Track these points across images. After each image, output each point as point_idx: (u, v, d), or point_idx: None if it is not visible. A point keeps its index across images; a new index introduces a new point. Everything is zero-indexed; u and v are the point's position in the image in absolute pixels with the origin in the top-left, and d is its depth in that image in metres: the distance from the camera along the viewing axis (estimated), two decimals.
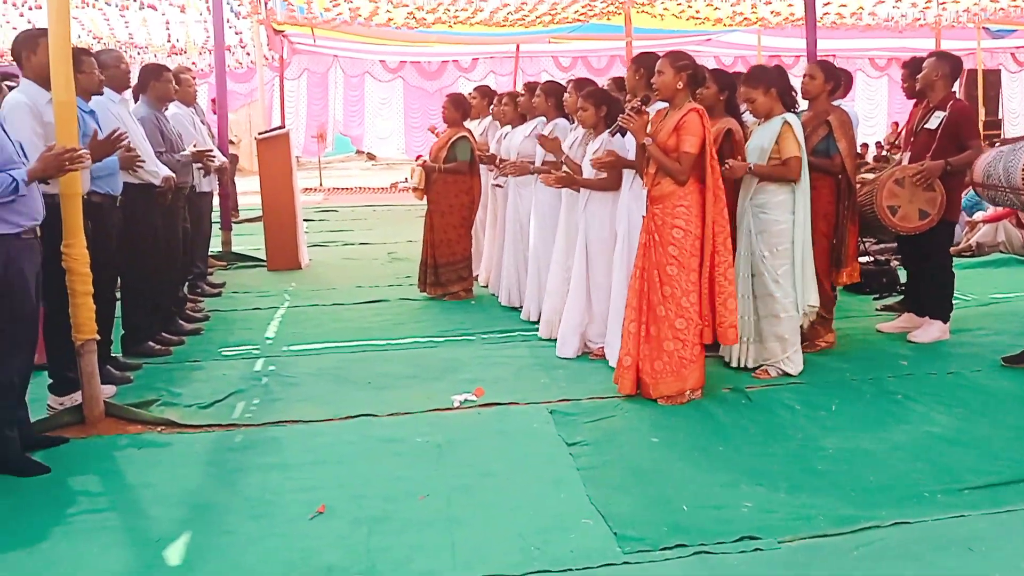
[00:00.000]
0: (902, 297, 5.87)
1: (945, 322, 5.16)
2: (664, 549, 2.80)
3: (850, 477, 3.30)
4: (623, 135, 4.47)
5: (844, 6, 10.79)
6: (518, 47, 15.93)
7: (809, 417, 3.97)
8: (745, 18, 11.68)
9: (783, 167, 4.40)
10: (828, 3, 10.59)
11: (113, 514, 3.14)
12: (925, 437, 3.68)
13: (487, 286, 6.83)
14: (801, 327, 4.59)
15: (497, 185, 6.49)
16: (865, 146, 13.58)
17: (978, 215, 7.98)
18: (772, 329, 4.48)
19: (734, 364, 4.62)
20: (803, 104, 4.92)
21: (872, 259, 6.79)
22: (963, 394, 4.21)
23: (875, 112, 21.16)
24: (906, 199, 4.84)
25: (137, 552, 2.84)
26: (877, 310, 6.00)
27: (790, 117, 4.45)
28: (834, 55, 18.50)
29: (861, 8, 10.95)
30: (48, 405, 4.11)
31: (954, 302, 5.30)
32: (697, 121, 4.02)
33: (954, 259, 7.26)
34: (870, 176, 6.04)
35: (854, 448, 3.57)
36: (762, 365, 4.55)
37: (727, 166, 4.33)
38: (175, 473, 3.47)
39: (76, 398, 4.06)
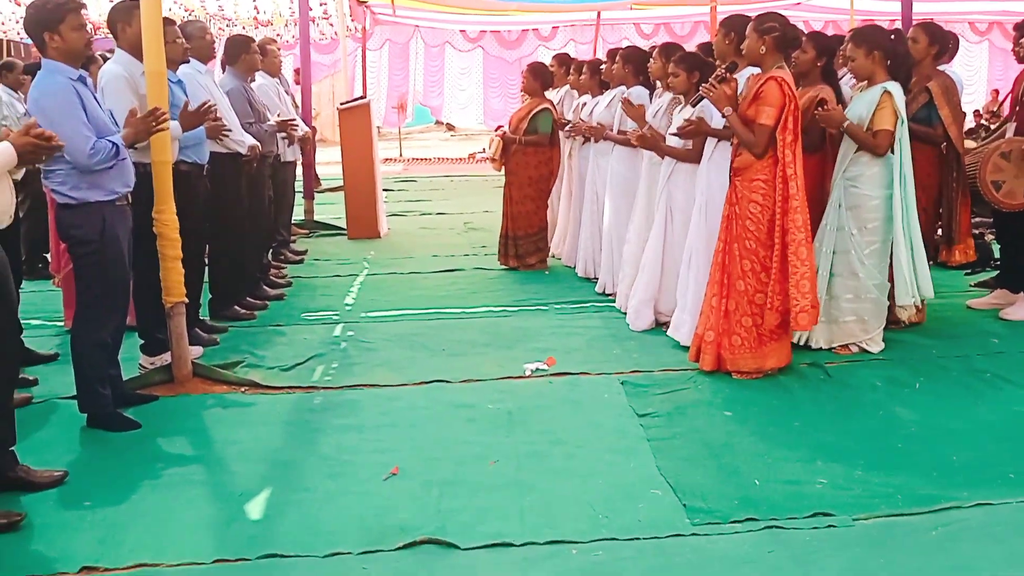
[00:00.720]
0: (996, 273, 5.61)
1: None
2: (734, 522, 2.78)
3: (932, 456, 3.20)
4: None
5: None
6: (599, 14, 15.66)
7: (891, 394, 3.86)
8: None
9: (871, 137, 4.19)
10: None
11: (199, 469, 3.29)
12: (1013, 417, 3.54)
13: (561, 257, 6.82)
14: (908, 320, 4.39)
15: (567, 136, 6.40)
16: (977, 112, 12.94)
17: None
18: (852, 309, 4.31)
19: (814, 345, 4.42)
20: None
21: (977, 232, 6.50)
22: None
23: (974, 79, 20.08)
24: (1012, 174, 4.58)
25: (220, 506, 2.97)
26: (971, 286, 5.76)
27: (891, 86, 4.17)
28: (931, 19, 17.66)
29: None
30: (140, 364, 4.31)
31: None
32: (776, 90, 3.85)
33: None
34: (972, 144, 5.76)
35: (937, 426, 3.47)
36: (843, 345, 4.39)
37: (826, 109, 4.12)
38: (257, 432, 3.60)
39: (166, 358, 4.24)
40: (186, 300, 4.16)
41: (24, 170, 3.01)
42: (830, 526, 2.74)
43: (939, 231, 4.92)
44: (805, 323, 3.94)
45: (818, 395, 3.88)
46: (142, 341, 4.38)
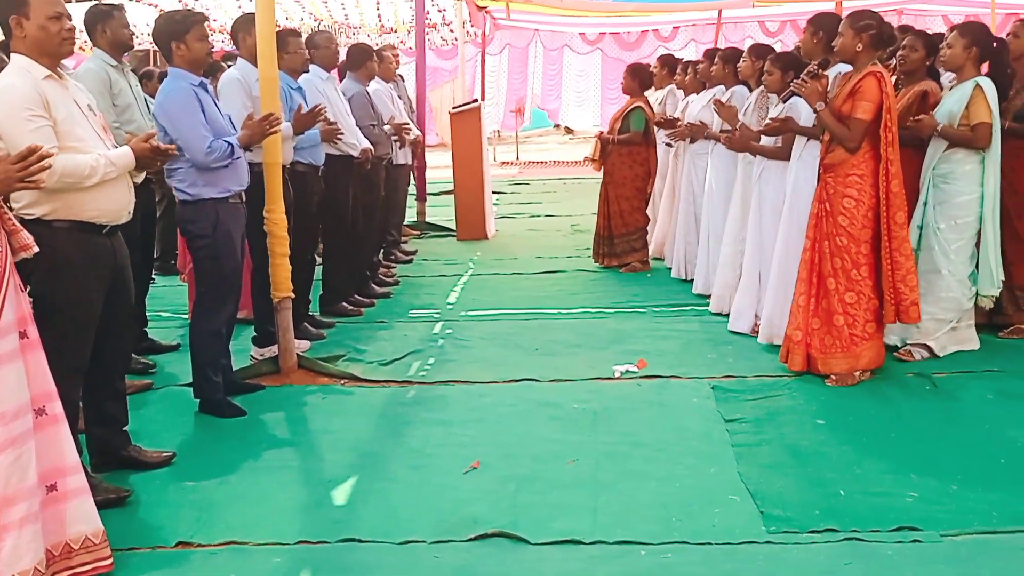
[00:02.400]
0: None
1: None
2: (812, 532, 2.71)
3: None
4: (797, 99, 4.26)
5: None
6: (720, 13, 15.34)
7: (1002, 407, 3.65)
8: None
9: (971, 133, 4.05)
10: None
11: (294, 455, 3.48)
12: None
13: (662, 258, 6.76)
14: (989, 308, 4.23)
15: (667, 144, 6.38)
16: None
17: None
18: (927, 308, 4.12)
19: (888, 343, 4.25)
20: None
21: None
22: None
23: None
24: None
25: (310, 490, 3.14)
26: None
27: (983, 81, 4.07)
28: None
29: None
30: (250, 355, 4.58)
31: None
32: (874, 86, 3.76)
33: None
34: None
35: None
36: (905, 345, 4.24)
37: (917, 118, 4.06)
38: (351, 422, 3.77)
39: (274, 350, 4.48)
40: (292, 295, 4.39)
41: (144, 174, 3.26)
42: (915, 541, 2.63)
43: None
44: (916, 316, 3.90)
45: (921, 405, 3.71)
46: (255, 333, 4.65)
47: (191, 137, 3.61)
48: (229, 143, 3.71)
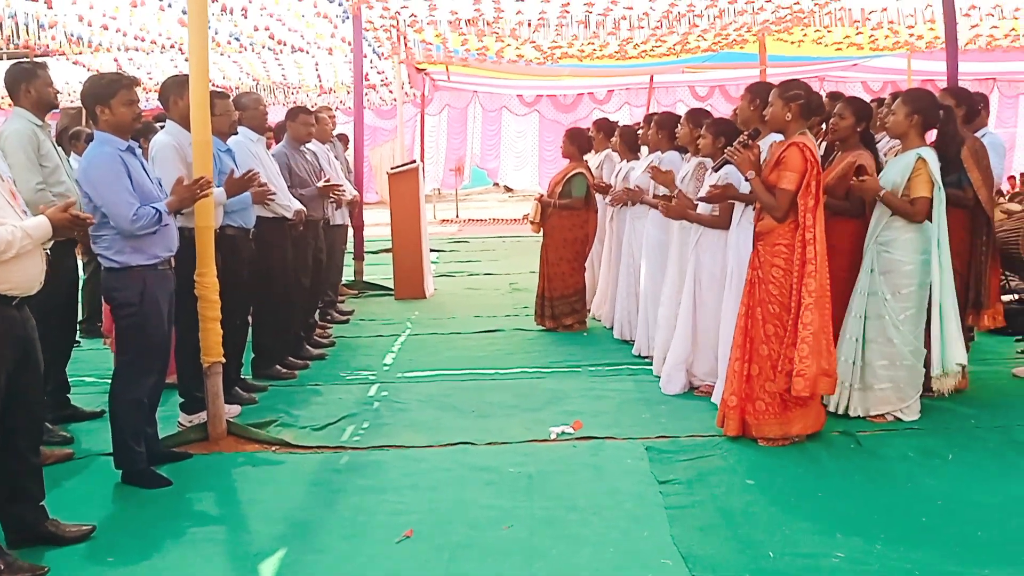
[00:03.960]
0: None
1: None
2: None
3: (957, 531, 3.09)
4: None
5: (996, 27, 10.14)
6: (652, 78, 15.90)
7: (922, 465, 3.75)
8: (887, 44, 11.18)
9: (908, 205, 4.14)
10: (976, 25, 9.98)
11: (221, 527, 3.38)
12: None
13: (600, 319, 6.84)
14: (946, 391, 4.26)
15: (610, 204, 6.51)
16: (1012, 178, 12.64)
17: None
18: (887, 376, 4.22)
19: (831, 409, 4.31)
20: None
21: (1017, 298, 6.31)
22: None
23: None
24: None
25: (235, 565, 3.04)
26: (1018, 353, 5.57)
27: (926, 152, 4.15)
28: (994, 79, 17.37)
29: (1014, 30, 10.25)
30: (178, 422, 4.46)
31: None
32: (798, 156, 3.87)
33: None
34: (1016, 208, 5.65)
35: (966, 501, 3.35)
36: (877, 415, 4.29)
37: (862, 179, 4.13)
38: (282, 491, 3.68)
39: (203, 416, 4.38)
40: (223, 360, 4.31)
41: (54, 241, 3.18)
42: None
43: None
44: (800, 388, 3.84)
45: (846, 464, 3.79)
46: (182, 399, 4.54)
47: (116, 204, 3.55)
48: (157, 210, 3.65)
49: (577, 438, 4.22)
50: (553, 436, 4.26)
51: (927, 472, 3.66)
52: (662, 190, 5.41)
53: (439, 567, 2.95)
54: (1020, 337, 5.85)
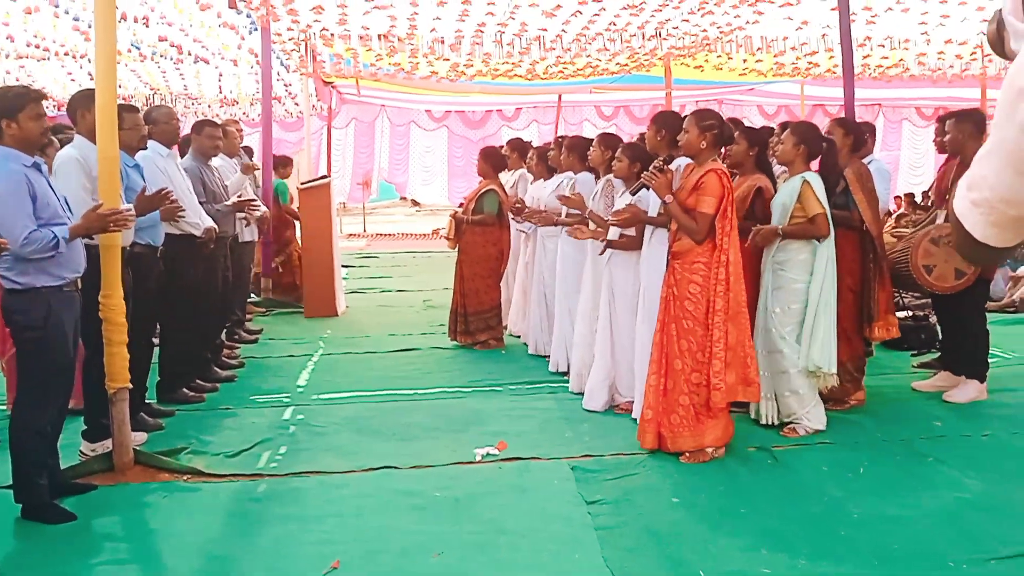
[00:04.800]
0: (940, 354, 5.74)
1: (982, 381, 5.03)
2: None
3: (874, 544, 3.21)
4: (647, 191, 4.49)
5: (886, 58, 10.74)
6: (560, 97, 16.12)
7: (835, 479, 3.89)
8: (787, 71, 11.69)
9: (811, 225, 4.40)
10: (868, 56, 10.54)
11: (133, 564, 3.20)
12: (955, 503, 3.57)
13: (519, 336, 6.86)
14: (827, 389, 4.52)
15: (521, 231, 6.56)
16: (898, 198, 13.40)
17: (1022, 270, 7.80)
18: (786, 385, 4.44)
19: (763, 421, 4.55)
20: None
21: (911, 314, 6.66)
22: (997, 458, 4.10)
23: (922, 161, 20.81)
24: (942, 258, 4.76)
25: None
26: (914, 367, 5.88)
27: (810, 176, 4.45)
28: (879, 104, 18.38)
29: (903, 60, 10.88)
30: (80, 451, 4.21)
31: (994, 360, 5.19)
32: (716, 182, 4.04)
33: (997, 315, 7.11)
34: (906, 231, 5.97)
35: (880, 513, 3.48)
36: (788, 423, 4.47)
37: (755, 231, 4.37)
38: (197, 522, 3.51)
39: (108, 445, 4.15)
40: (130, 386, 4.10)
41: None
42: None
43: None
44: (718, 400, 4.05)
45: (765, 480, 3.89)
46: (85, 427, 4.29)
47: (10, 225, 3.35)
48: (55, 235, 3.44)
49: (502, 459, 4.20)
50: (478, 458, 4.22)
51: (841, 486, 3.80)
52: (575, 210, 5.49)
53: None
54: (916, 352, 6.18)
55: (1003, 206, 1.11)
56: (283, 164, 9.16)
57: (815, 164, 4.63)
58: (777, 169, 4.96)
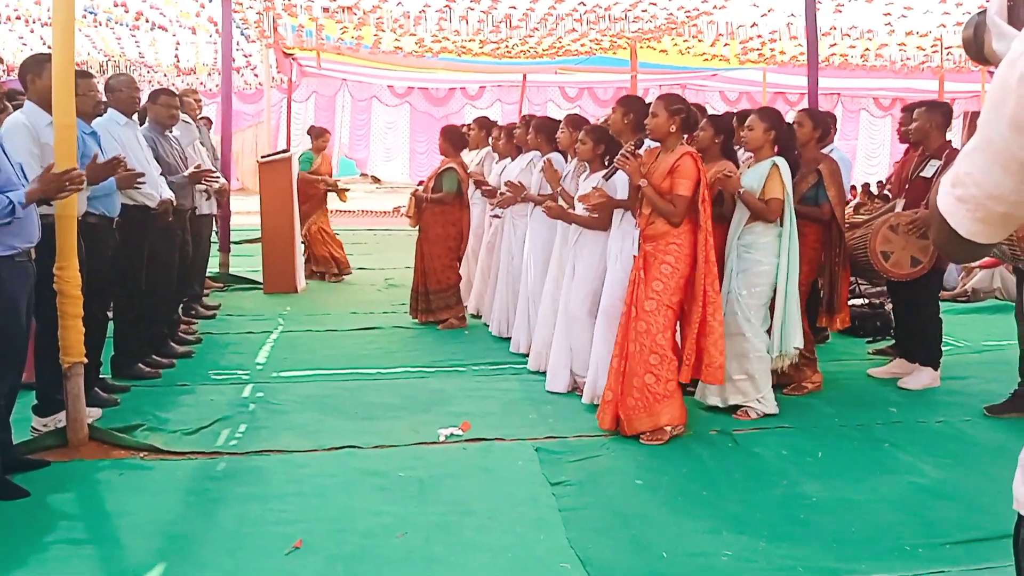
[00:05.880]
0: (894, 342, 5.86)
1: (936, 369, 5.14)
2: None
3: (833, 527, 3.27)
4: (616, 175, 4.50)
5: (852, 47, 10.87)
6: (524, 77, 16.05)
7: (795, 463, 3.95)
8: (751, 58, 11.76)
9: (763, 204, 4.46)
10: (834, 44, 10.66)
11: (89, 542, 3.12)
12: (910, 488, 3.65)
13: (479, 315, 6.84)
14: (783, 369, 4.64)
15: (495, 216, 6.54)
16: (853, 188, 13.65)
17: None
18: (743, 368, 4.49)
19: (708, 404, 4.58)
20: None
21: (867, 302, 6.79)
22: (950, 444, 4.20)
23: (878, 151, 21.24)
24: (899, 246, 4.85)
25: None
26: (869, 354, 5.99)
27: (780, 161, 4.51)
28: (838, 94, 18.66)
29: (868, 50, 11.02)
30: (32, 427, 4.10)
31: (947, 348, 5.30)
32: (692, 165, 4.07)
33: (950, 304, 7.29)
34: (860, 218, 6.06)
35: (838, 497, 3.55)
36: (740, 407, 4.53)
37: (727, 174, 4.39)
38: (154, 501, 3.44)
39: (60, 419, 4.05)
40: (85, 360, 4.00)
41: None
42: None
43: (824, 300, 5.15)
44: (721, 378, 4.20)
45: (726, 463, 3.94)
46: (36, 401, 4.17)
47: None
48: (9, 200, 3.32)
49: (466, 440, 4.19)
50: (442, 438, 4.20)
51: (800, 470, 3.86)
52: (547, 189, 5.47)
53: None
54: (871, 339, 6.30)
55: (990, 203, 1.13)
56: (318, 135, 8.91)
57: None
58: (742, 155, 5.00)
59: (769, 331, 4.55)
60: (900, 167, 5.51)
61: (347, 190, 8.98)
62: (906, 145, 5.53)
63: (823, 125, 5.13)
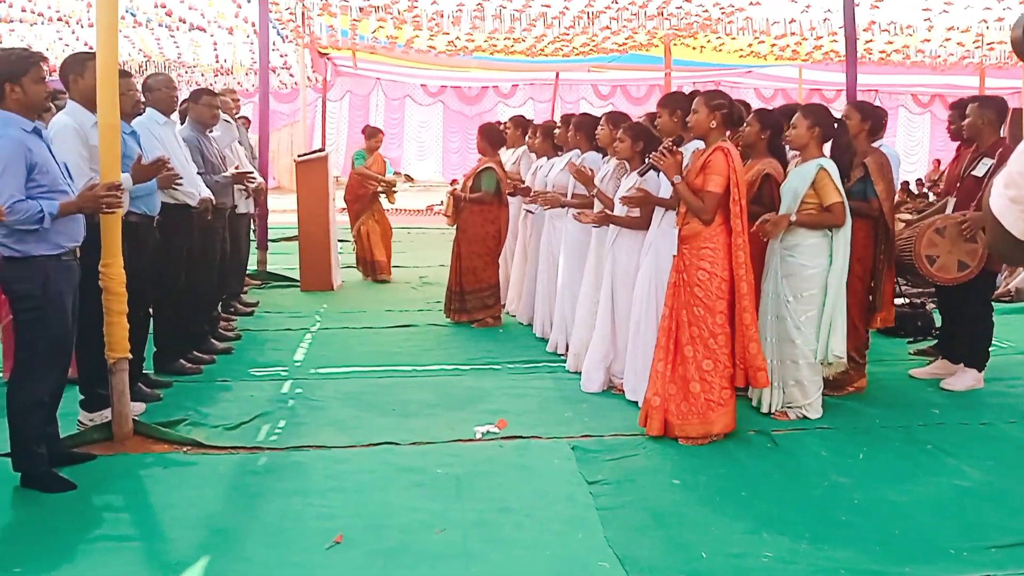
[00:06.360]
0: (937, 342, 5.76)
1: (980, 371, 5.05)
2: None
3: (875, 530, 3.23)
4: (656, 173, 4.45)
5: (890, 43, 10.70)
6: (557, 75, 16.02)
7: (835, 464, 3.90)
8: (786, 56, 11.64)
9: (828, 214, 4.32)
10: (871, 40, 10.50)
11: (135, 535, 3.18)
12: (953, 491, 3.60)
13: (515, 315, 6.85)
14: (831, 377, 4.55)
15: (528, 211, 6.53)
16: (905, 184, 13.40)
17: None
18: (792, 375, 4.42)
19: (764, 409, 4.52)
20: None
21: (908, 302, 6.68)
22: (995, 446, 4.12)
23: (916, 149, 20.92)
24: (946, 249, 4.74)
25: (155, 575, 2.87)
26: (911, 354, 5.90)
27: (826, 163, 4.35)
28: (876, 90, 18.38)
29: (906, 47, 10.85)
30: (78, 421, 4.18)
31: (991, 349, 5.19)
32: (722, 160, 3.99)
33: (993, 304, 7.13)
34: (907, 216, 5.95)
35: (880, 499, 3.50)
36: (782, 409, 4.48)
37: (764, 220, 4.29)
38: (197, 495, 3.50)
39: (106, 415, 4.13)
40: (130, 356, 4.07)
41: None
42: None
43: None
44: (764, 380, 4.11)
45: (765, 464, 3.90)
46: (82, 396, 4.26)
47: None
48: (41, 208, 3.35)
49: (502, 437, 4.20)
50: (478, 435, 4.22)
51: (841, 471, 3.81)
52: (581, 189, 5.45)
53: (375, 574, 2.87)
54: (912, 339, 6.20)
55: None
56: (371, 135, 8.97)
57: (827, 148, 4.56)
58: (789, 154, 4.90)
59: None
60: (951, 165, 5.38)
61: (396, 191, 8.98)
62: (956, 143, 5.37)
63: (873, 118, 4.95)
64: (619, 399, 4.79)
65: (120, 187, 3.69)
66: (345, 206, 8.97)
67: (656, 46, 11.48)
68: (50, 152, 3.55)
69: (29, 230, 3.37)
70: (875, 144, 5.12)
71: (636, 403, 4.54)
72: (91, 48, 4.09)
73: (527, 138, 6.82)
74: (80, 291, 3.75)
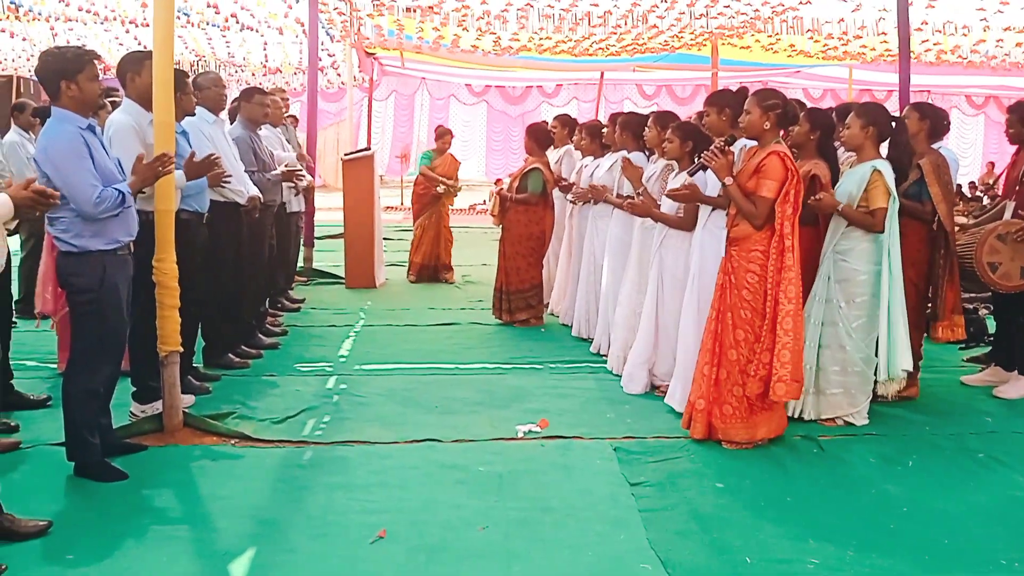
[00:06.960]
0: (990, 349, 5.63)
1: None
2: None
3: (924, 539, 3.17)
4: (704, 172, 4.40)
5: (938, 44, 10.48)
6: (602, 74, 15.97)
7: (884, 471, 3.83)
8: (836, 55, 11.46)
9: (869, 216, 4.23)
10: (925, 40, 10.29)
11: (184, 524, 3.25)
12: (1006, 501, 3.51)
13: (558, 315, 6.85)
14: (891, 396, 4.43)
15: (572, 202, 6.51)
16: (957, 187, 13.08)
17: None
18: (839, 382, 4.32)
19: (796, 415, 4.40)
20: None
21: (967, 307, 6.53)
22: None
23: (969, 151, 20.45)
24: (1008, 256, 4.61)
25: (203, 564, 2.93)
26: (963, 361, 5.77)
27: (881, 164, 4.25)
28: (928, 91, 17.99)
29: (959, 46, 10.61)
30: (131, 412, 4.28)
31: None
32: (778, 165, 3.91)
33: None
34: (961, 220, 5.80)
35: (930, 508, 3.44)
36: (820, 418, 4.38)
37: (817, 197, 4.19)
38: (245, 487, 3.56)
39: (157, 407, 4.22)
40: (181, 349, 4.16)
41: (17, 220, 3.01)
42: None
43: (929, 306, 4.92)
44: (782, 393, 3.90)
45: (810, 469, 3.85)
46: (134, 388, 4.36)
47: (79, 186, 3.37)
48: (120, 191, 3.49)
49: (544, 437, 4.20)
50: (520, 434, 4.23)
51: (890, 479, 3.75)
52: (627, 189, 5.43)
53: (417, 570, 2.90)
54: (964, 346, 6.06)
55: None
56: (441, 135, 9.01)
57: (884, 149, 4.44)
58: (843, 155, 4.80)
59: (876, 352, 4.27)
60: (1009, 168, 5.24)
61: (454, 194, 8.99)
62: (1015, 146, 5.23)
63: (932, 118, 4.83)
64: (661, 400, 4.75)
65: (167, 156, 3.76)
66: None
67: (704, 45, 11.39)
68: (104, 149, 3.63)
69: (106, 218, 3.46)
70: (935, 146, 4.99)
71: (674, 407, 4.51)
72: (145, 48, 4.18)
73: (573, 137, 6.81)
74: (133, 286, 3.84)
